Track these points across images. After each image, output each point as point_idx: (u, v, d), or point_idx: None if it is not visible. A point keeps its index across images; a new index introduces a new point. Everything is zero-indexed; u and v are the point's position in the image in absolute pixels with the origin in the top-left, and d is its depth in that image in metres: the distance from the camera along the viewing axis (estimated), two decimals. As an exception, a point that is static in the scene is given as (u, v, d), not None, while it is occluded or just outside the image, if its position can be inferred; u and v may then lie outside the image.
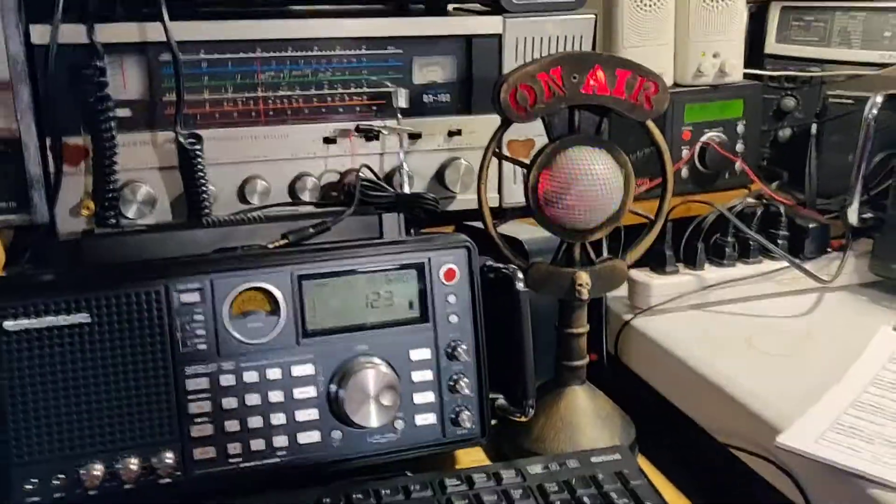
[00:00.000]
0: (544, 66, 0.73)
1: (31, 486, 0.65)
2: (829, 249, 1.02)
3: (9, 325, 0.64)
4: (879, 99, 0.96)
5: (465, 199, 0.96)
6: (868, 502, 0.64)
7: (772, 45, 1.33)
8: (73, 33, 0.80)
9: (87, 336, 0.65)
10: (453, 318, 0.74)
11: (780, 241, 0.99)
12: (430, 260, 0.74)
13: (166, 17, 0.81)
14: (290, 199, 0.90)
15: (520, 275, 0.74)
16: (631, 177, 0.76)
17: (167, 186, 0.86)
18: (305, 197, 0.90)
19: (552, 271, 0.78)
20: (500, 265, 0.76)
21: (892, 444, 0.68)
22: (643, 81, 0.75)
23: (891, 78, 1.12)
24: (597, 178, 0.75)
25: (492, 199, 0.95)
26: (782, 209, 1.00)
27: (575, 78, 0.74)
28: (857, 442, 0.67)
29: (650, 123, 0.77)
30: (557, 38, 0.95)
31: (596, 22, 0.97)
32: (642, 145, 1.01)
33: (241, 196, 0.88)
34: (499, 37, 0.93)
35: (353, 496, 0.67)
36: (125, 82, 0.84)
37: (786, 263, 0.97)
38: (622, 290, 0.97)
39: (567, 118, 0.77)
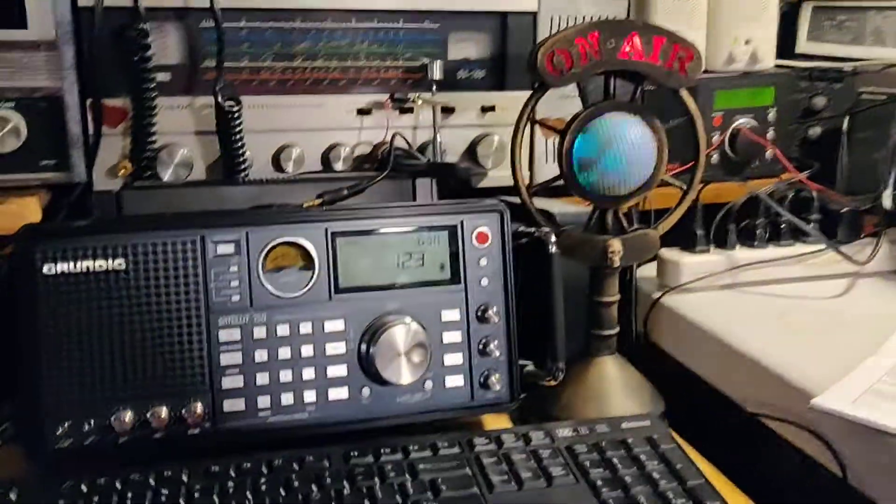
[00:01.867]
0: (582, 31, 0.74)
1: (63, 430, 0.65)
2: (861, 235, 1.01)
3: (46, 268, 0.65)
4: (915, 81, 0.95)
5: (496, 176, 0.96)
6: (905, 462, 0.63)
7: (803, 45, 1.34)
8: (117, -4, 0.82)
9: (123, 282, 0.66)
10: (484, 281, 0.74)
11: (811, 225, 0.98)
12: (462, 223, 0.74)
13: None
14: (322, 169, 0.91)
15: (553, 238, 0.74)
16: (664, 144, 0.77)
17: (204, 150, 0.88)
18: (338, 167, 0.91)
19: (584, 238, 0.78)
20: (533, 229, 0.76)
21: (929, 410, 0.67)
22: (678, 49, 0.76)
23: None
24: (631, 144, 0.75)
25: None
26: (814, 193, 0.99)
27: (611, 43, 0.75)
28: (894, 406, 0.67)
29: (684, 92, 0.78)
30: (591, 17, 0.96)
31: (630, 4, 0.97)
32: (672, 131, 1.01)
33: (276, 163, 0.90)
34: (534, 14, 0.94)
35: (382, 451, 0.67)
36: (166, 47, 0.86)
37: (817, 246, 0.96)
38: (652, 270, 0.97)
39: (602, 85, 0.77)
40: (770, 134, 1.11)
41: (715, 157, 1.10)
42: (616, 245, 0.77)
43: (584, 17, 0.95)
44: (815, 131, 1.25)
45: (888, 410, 0.66)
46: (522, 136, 0.78)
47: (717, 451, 0.75)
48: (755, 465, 0.80)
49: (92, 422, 0.65)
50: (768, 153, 1.11)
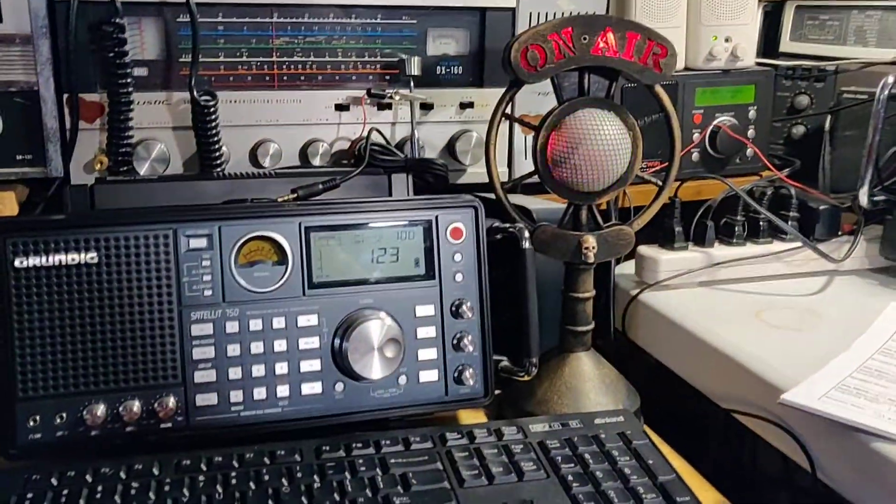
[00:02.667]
0: (555, 27, 0.74)
1: (34, 423, 0.65)
2: (839, 233, 1.01)
3: (18, 262, 0.65)
4: (892, 79, 0.95)
5: (475, 172, 0.96)
6: (871, 457, 0.63)
7: (786, 44, 1.34)
8: (93, -10, 0.82)
9: (95, 276, 0.66)
10: (459, 277, 0.74)
11: (790, 223, 0.98)
12: (437, 218, 0.74)
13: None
14: (301, 164, 0.90)
15: (526, 233, 0.75)
16: (639, 140, 0.77)
17: (180, 146, 0.87)
18: (316, 162, 0.91)
19: (558, 234, 0.78)
20: (507, 225, 0.76)
21: (896, 402, 0.68)
22: (652, 45, 0.76)
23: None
24: (605, 139, 0.75)
25: (502, 173, 0.95)
26: (793, 191, 0.99)
27: (585, 39, 0.75)
28: (861, 401, 0.67)
29: (659, 88, 0.78)
30: (570, 13, 0.96)
31: (609, 1, 0.98)
32: (652, 128, 1.01)
33: (253, 159, 0.90)
34: (512, 10, 0.94)
35: (353, 445, 0.67)
36: (143, 42, 0.86)
37: (795, 244, 0.96)
38: (630, 267, 0.98)
39: (577, 82, 0.77)
40: (750, 132, 1.12)
41: (696, 155, 1.10)
42: (590, 241, 0.77)
43: (562, 13, 0.95)
44: (799, 129, 1.25)
45: (855, 406, 0.66)
46: (497, 133, 0.78)
47: (692, 447, 0.76)
48: (730, 459, 0.80)
49: (64, 415, 0.65)
50: (749, 151, 1.11)
